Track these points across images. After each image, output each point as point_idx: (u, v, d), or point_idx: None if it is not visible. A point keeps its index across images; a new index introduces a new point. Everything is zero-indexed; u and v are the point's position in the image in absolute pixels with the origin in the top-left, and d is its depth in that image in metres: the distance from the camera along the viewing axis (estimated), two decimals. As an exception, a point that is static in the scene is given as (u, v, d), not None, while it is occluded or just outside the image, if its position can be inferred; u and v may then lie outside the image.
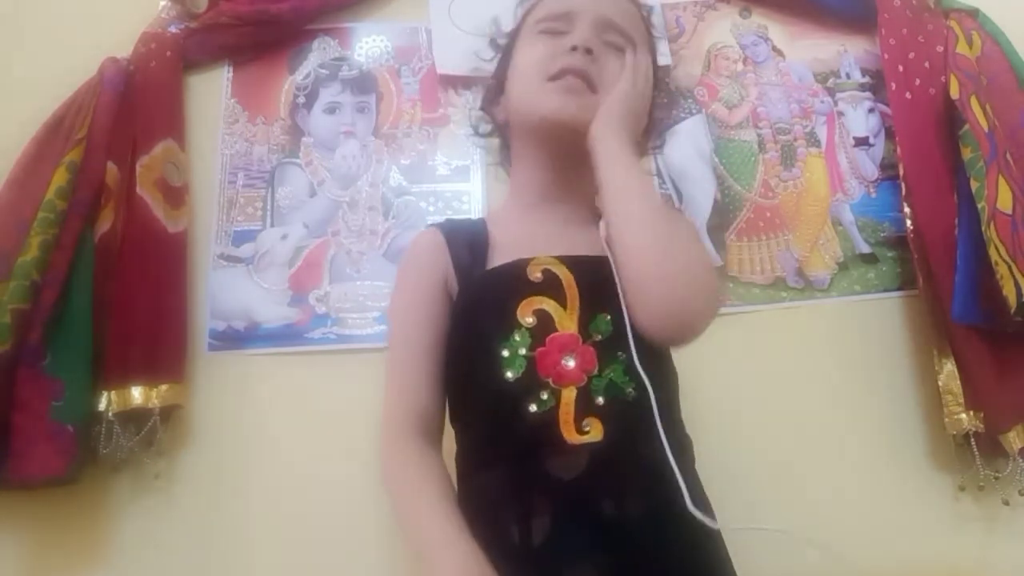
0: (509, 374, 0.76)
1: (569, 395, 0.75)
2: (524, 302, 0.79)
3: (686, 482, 0.73)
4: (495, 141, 1.04)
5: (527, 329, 0.77)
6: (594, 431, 0.73)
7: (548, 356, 0.76)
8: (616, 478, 0.72)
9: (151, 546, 1.02)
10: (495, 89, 0.98)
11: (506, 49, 0.98)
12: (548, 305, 0.79)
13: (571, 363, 0.76)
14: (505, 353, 0.77)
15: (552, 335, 0.77)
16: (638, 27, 0.93)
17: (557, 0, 0.92)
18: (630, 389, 0.75)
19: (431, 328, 0.84)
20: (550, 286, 0.79)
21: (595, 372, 0.76)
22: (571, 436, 0.73)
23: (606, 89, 0.85)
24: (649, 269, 0.72)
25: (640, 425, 0.74)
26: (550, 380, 0.75)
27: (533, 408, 0.74)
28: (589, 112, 0.84)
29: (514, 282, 0.80)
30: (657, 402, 0.74)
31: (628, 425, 0.74)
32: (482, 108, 1.02)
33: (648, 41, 0.95)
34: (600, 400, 0.75)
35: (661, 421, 0.74)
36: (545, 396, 0.75)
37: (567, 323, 0.78)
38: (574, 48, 0.85)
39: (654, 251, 0.72)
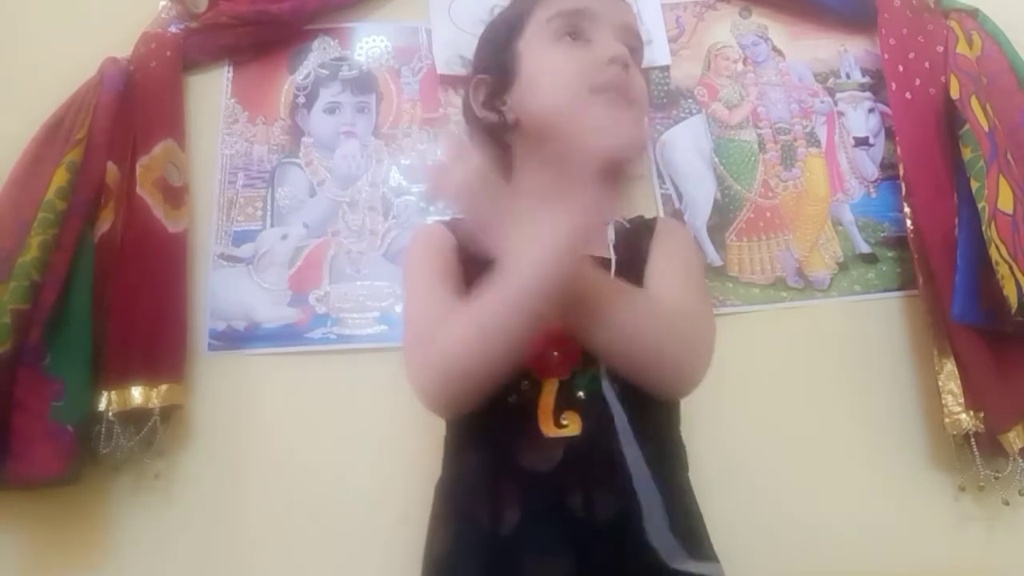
0: None
1: (550, 387, 0.75)
2: None
3: (671, 490, 0.73)
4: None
5: None
6: (572, 425, 0.73)
7: (533, 346, 0.75)
8: (589, 475, 0.72)
9: (151, 546, 1.02)
10: (497, 84, 0.92)
11: (502, 41, 0.92)
12: None
13: (556, 355, 0.76)
14: None
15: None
16: (638, 32, 0.93)
17: None
18: (616, 386, 0.75)
19: (451, 276, 0.81)
20: None
21: (579, 367, 0.75)
22: (548, 429, 0.73)
23: (636, 105, 0.86)
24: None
25: (621, 423, 0.74)
26: (533, 370, 0.75)
27: (512, 398, 0.74)
28: (631, 131, 0.82)
29: None
30: (643, 403, 0.74)
31: (608, 422, 0.74)
32: (482, 104, 0.94)
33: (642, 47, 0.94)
34: (581, 395, 0.74)
35: (647, 424, 0.74)
36: (525, 386, 0.75)
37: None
38: (612, 61, 0.83)
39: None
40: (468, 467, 0.77)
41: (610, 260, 0.82)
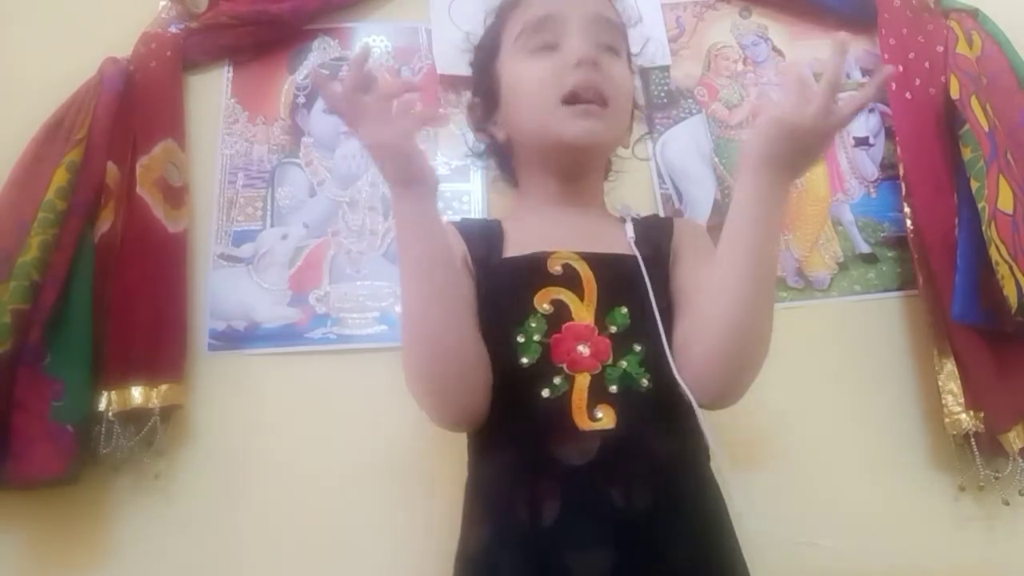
0: (524, 360, 0.76)
1: (583, 381, 0.75)
2: (542, 291, 0.79)
3: (698, 478, 0.77)
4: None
5: (543, 316, 0.78)
6: (606, 418, 0.74)
7: (563, 342, 0.77)
8: (626, 467, 0.73)
9: (151, 546, 1.02)
10: (485, 107, 0.96)
11: (483, 65, 0.96)
12: (565, 296, 0.79)
13: (585, 351, 0.76)
14: (520, 339, 0.77)
15: (568, 323, 0.78)
16: (619, 18, 0.92)
17: (531, 7, 0.89)
18: (644, 381, 0.76)
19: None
20: (568, 280, 0.80)
21: (609, 362, 0.76)
22: (582, 422, 0.74)
23: (616, 99, 0.85)
24: (731, 349, 0.74)
25: (652, 416, 0.75)
26: (564, 366, 0.76)
27: (545, 393, 0.75)
28: (609, 130, 0.86)
29: (533, 272, 0.81)
30: (672, 393, 0.75)
31: (641, 415, 0.75)
32: (476, 129, 0.99)
33: (626, 34, 0.94)
34: (613, 388, 0.75)
35: (675, 412, 0.75)
36: (558, 381, 0.75)
37: (583, 314, 0.78)
38: (579, 63, 0.83)
39: (745, 339, 0.74)
40: (502, 464, 0.77)
41: (635, 256, 0.82)
